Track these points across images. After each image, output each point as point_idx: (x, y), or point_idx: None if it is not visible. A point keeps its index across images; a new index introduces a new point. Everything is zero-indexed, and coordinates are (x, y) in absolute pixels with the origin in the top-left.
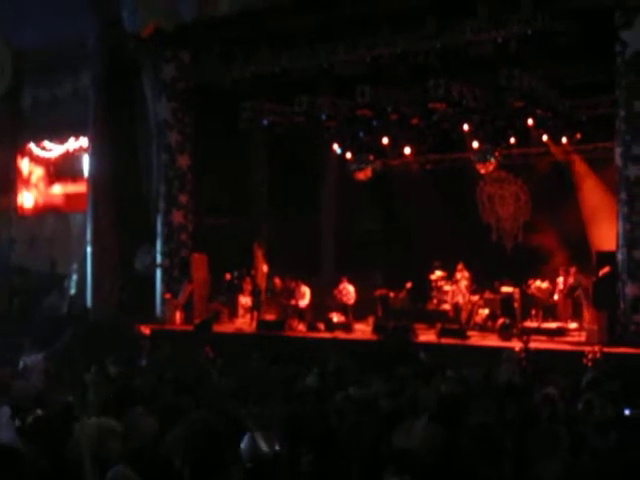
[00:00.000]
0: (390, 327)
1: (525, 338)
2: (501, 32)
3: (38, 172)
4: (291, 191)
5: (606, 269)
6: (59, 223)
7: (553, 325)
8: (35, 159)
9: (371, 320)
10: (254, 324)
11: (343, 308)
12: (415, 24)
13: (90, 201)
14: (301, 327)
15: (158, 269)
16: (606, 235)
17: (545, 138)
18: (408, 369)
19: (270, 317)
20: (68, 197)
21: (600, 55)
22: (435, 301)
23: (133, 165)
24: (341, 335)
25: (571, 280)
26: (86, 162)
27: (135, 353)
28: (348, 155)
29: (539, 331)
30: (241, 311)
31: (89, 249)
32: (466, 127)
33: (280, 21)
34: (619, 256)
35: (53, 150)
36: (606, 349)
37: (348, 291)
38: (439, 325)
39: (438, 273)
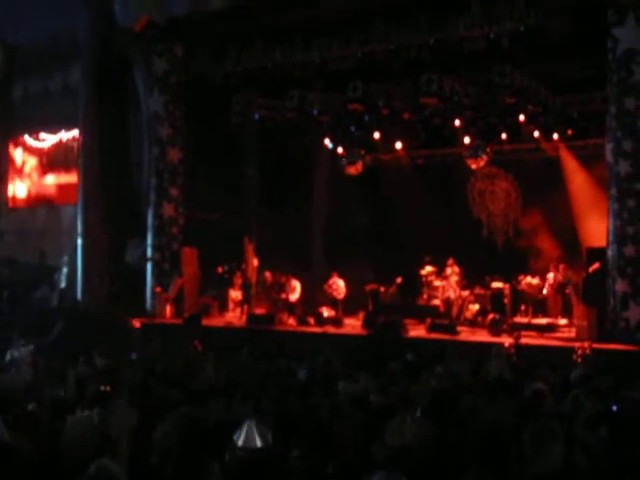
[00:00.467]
0: (380, 322)
1: (516, 334)
2: (494, 28)
3: (31, 162)
4: (282, 185)
5: (596, 265)
6: (50, 215)
7: (543, 321)
8: (28, 149)
9: (361, 315)
10: (244, 318)
11: (333, 303)
12: (408, 19)
13: (81, 194)
14: (291, 321)
15: (148, 262)
16: (596, 231)
17: (536, 134)
18: (398, 364)
19: (260, 311)
20: (61, 187)
21: (592, 52)
22: (425, 296)
23: (124, 158)
24: (331, 330)
25: (561, 276)
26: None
27: (125, 346)
28: (339, 150)
29: (529, 327)
30: (231, 305)
31: (79, 242)
32: (457, 122)
33: (272, 16)
34: (609, 252)
35: (46, 140)
36: (596, 345)
37: (338, 286)
38: (429, 320)
39: (428, 268)
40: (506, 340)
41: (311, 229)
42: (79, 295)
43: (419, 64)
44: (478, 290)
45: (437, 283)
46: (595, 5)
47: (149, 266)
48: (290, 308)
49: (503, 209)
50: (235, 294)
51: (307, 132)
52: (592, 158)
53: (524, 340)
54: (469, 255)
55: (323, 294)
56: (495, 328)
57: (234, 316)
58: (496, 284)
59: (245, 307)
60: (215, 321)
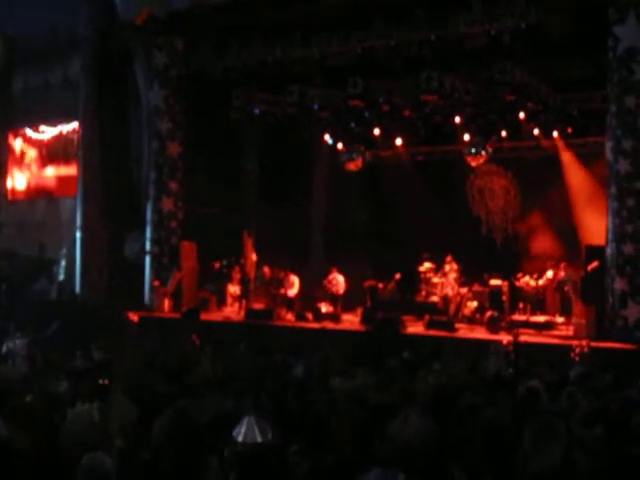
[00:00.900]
0: (378, 318)
1: (515, 331)
2: (495, 25)
3: (31, 155)
4: (282, 180)
5: (595, 263)
6: (49, 208)
7: (541, 319)
8: (28, 141)
9: (359, 311)
10: (242, 313)
11: (332, 298)
12: (408, 16)
13: (80, 187)
14: (289, 317)
15: (147, 256)
16: (595, 229)
17: (536, 132)
18: (396, 361)
19: (258, 306)
20: (60, 180)
21: (592, 50)
22: (424, 293)
23: (124, 152)
24: (329, 325)
25: (561, 274)
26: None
27: (123, 339)
28: (339, 145)
29: (527, 324)
30: (230, 300)
31: (78, 235)
32: (458, 120)
33: (273, 11)
34: (608, 251)
35: (46, 132)
36: (594, 343)
37: (338, 281)
38: (427, 317)
39: (427, 265)
40: (504, 337)
41: (310, 225)
42: (77, 288)
43: (419, 61)
44: (476, 287)
45: (436, 280)
46: (596, 3)
47: (148, 260)
48: (288, 303)
49: (502, 207)
50: (233, 289)
51: (307, 128)
52: (592, 156)
53: (522, 338)
54: (468, 252)
55: (322, 289)
56: (493, 325)
57: (232, 311)
58: (494, 281)
59: (243, 302)
60: (213, 315)
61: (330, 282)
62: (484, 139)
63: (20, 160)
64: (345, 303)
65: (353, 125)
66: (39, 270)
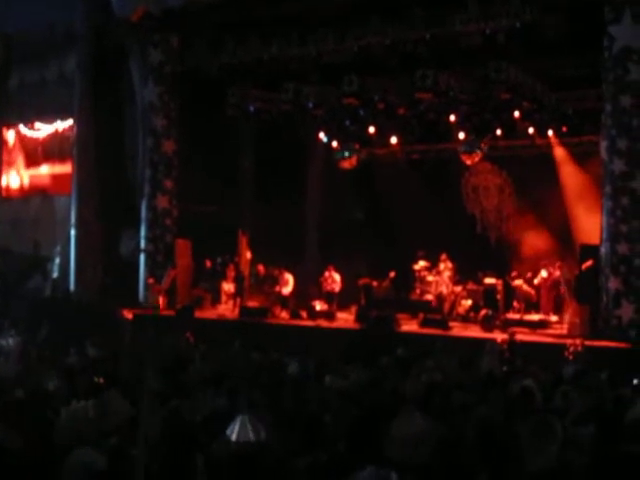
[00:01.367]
0: (373, 316)
1: (511, 331)
2: (490, 24)
3: (26, 152)
4: (276, 178)
5: (589, 263)
6: (43, 205)
7: (535, 317)
8: (23, 138)
9: (354, 309)
10: (237, 311)
11: (327, 296)
12: (404, 14)
13: (75, 184)
14: (284, 315)
15: (142, 254)
16: (590, 229)
17: (531, 131)
18: (390, 359)
19: (253, 304)
20: (55, 178)
21: (588, 49)
22: (418, 291)
23: (119, 149)
24: (324, 323)
25: (556, 273)
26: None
27: (117, 337)
28: (334, 143)
29: (521, 323)
30: (224, 297)
31: (73, 232)
32: (453, 118)
33: (268, 8)
34: (602, 250)
35: (42, 130)
36: (587, 342)
37: (334, 279)
38: (422, 315)
39: (422, 263)
40: (499, 336)
41: (305, 223)
42: (72, 286)
43: (415, 59)
44: (471, 286)
45: (430, 278)
46: (591, 2)
47: (142, 257)
48: (283, 301)
49: (497, 205)
50: (228, 286)
51: (302, 125)
52: (586, 155)
53: (517, 337)
54: (462, 251)
55: (317, 287)
56: (487, 324)
57: (227, 308)
58: (489, 280)
59: (238, 300)
60: (208, 313)
61: (326, 280)
62: (479, 137)
63: (15, 157)
64: (339, 301)
65: (348, 123)
66: (33, 267)
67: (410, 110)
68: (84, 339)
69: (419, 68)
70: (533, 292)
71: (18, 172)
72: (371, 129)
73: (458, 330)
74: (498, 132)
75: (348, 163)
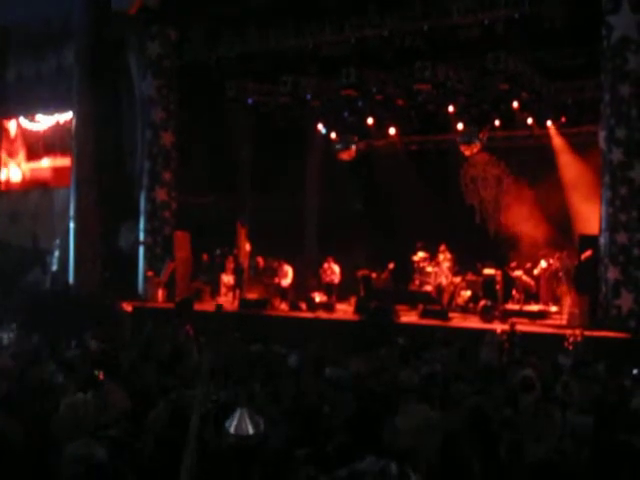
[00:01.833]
0: (372, 308)
1: (511, 321)
2: (488, 15)
3: (27, 145)
4: (275, 170)
5: (588, 253)
6: (42, 198)
7: (535, 308)
8: (24, 132)
9: (353, 300)
10: (236, 303)
11: (327, 288)
12: (402, 6)
13: (74, 177)
14: (283, 306)
15: (141, 246)
16: (589, 218)
17: (530, 121)
18: (389, 350)
19: (252, 296)
20: (57, 170)
21: (586, 39)
22: (417, 282)
23: (117, 142)
24: (323, 315)
25: (556, 264)
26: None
27: (116, 330)
28: (333, 135)
29: (521, 314)
30: (223, 289)
31: (72, 225)
32: (451, 109)
33: (266, 0)
34: (602, 240)
35: (42, 122)
36: (587, 332)
37: (333, 270)
38: (421, 306)
39: (421, 254)
40: (498, 327)
41: (304, 214)
42: (71, 279)
43: (413, 50)
44: (470, 276)
45: (429, 269)
46: None
47: (141, 250)
48: (282, 293)
49: (495, 196)
50: (227, 279)
51: (300, 117)
52: (585, 145)
53: (517, 327)
54: (461, 241)
55: (317, 279)
56: (486, 315)
57: (226, 300)
58: (488, 271)
59: (237, 292)
60: (207, 306)
61: (325, 271)
62: (477, 128)
63: (16, 149)
64: (339, 292)
65: (346, 115)
66: (33, 261)
67: (408, 101)
68: (84, 332)
69: (417, 59)
70: (532, 282)
71: (19, 165)
72: (369, 120)
73: (457, 321)
74: (497, 123)
75: (347, 154)
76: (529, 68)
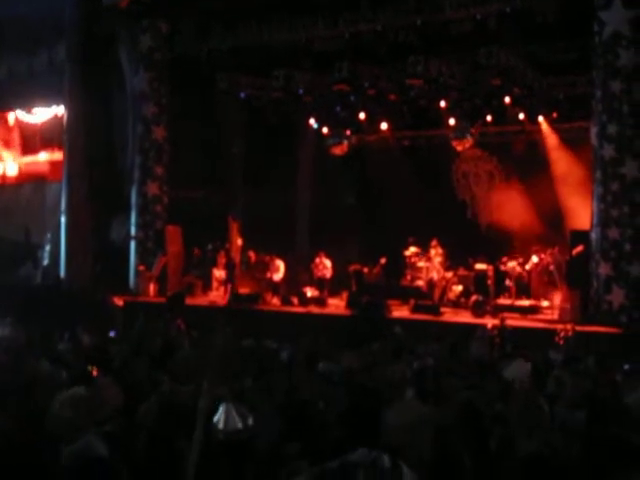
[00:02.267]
0: (364, 302)
1: (501, 316)
2: (480, 9)
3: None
4: (267, 165)
5: (580, 248)
6: (35, 193)
7: (526, 303)
8: (20, 124)
9: (345, 295)
10: (228, 297)
11: (318, 282)
12: (395, 0)
13: (65, 172)
14: (275, 301)
15: (132, 241)
16: (580, 214)
17: (522, 116)
18: (381, 345)
19: (244, 291)
20: (54, 164)
21: (578, 34)
22: (409, 277)
23: (109, 136)
24: (315, 310)
25: (547, 259)
26: None
27: (108, 324)
28: (325, 130)
29: (512, 308)
30: (215, 284)
31: (63, 219)
32: (443, 104)
33: None
34: (593, 235)
35: (40, 115)
36: (578, 328)
37: (325, 265)
38: (413, 301)
39: (412, 249)
40: (489, 322)
41: (296, 209)
42: (62, 273)
43: (406, 45)
44: (462, 271)
45: (421, 264)
46: None
47: (133, 244)
48: (274, 288)
49: (487, 191)
50: (219, 273)
51: (293, 112)
52: (577, 141)
53: (507, 322)
54: (453, 236)
55: (309, 274)
56: (478, 309)
57: (218, 295)
58: (480, 266)
59: (229, 286)
60: (199, 300)
61: (317, 266)
62: (469, 123)
63: (11, 140)
64: (330, 287)
65: (338, 109)
66: (25, 255)
67: (401, 96)
68: (75, 326)
69: (410, 54)
70: (525, 273)
71: (15, 159)
72: (362, 115)
73: (449, 316)
74: (489, 118)
75: (339, 149)
76: (521, 63)
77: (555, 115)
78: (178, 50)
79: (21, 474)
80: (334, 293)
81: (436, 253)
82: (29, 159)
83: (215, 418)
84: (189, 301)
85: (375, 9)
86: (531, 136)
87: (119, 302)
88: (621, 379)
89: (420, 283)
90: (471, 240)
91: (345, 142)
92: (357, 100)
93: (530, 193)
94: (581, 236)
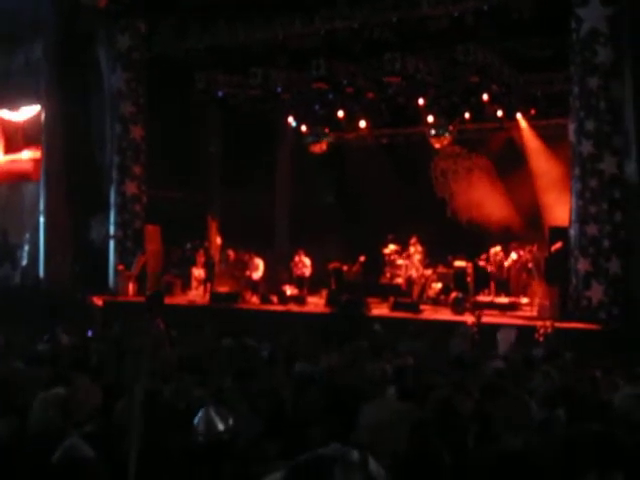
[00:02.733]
0: (343, 300)
1: (477, 313)
2: (457, 6)
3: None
4: (246, 163)
5: (558, 244)
6: (12, 193)
7: (505, 300)
8: (2, 122)
9: (324, 293)
10: (207, 296)
11: (298, 281)
12: None
13: (43, 171)
14: (254, 299)
15: (111, 240)
16: (559, 211)
17: (500, 113)
18: (361, 342)
19: (223, 289)
20: (37, 162)
21: (555, 31)
22: (388, 275)
23: (87, 136)
24: (294, 308)
25: (526, 256)
26: None
27: (87, 324)
28: (303, 128)
29: (491, 305)
30: (194, 283)
31: (41, 219)
32: (421, 101)
33: None
34: (571, 232)
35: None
36: (558, 324)
37: (304, 263)
38: (392, 299)
39: (392, 247)
40: (469, 319)
41: (275, 207)
42: (41, 273)
43: (383, 43)
44: (441, 269)
45: (400, 262)
46: None
47: (112, 244)
48: (253, 286)
49: (466, 188)
50: (198, 272)
51: (271, 110)
52: (555, 138)
53: (486, 319)
54: (432, 234)
55: (288, 272)
56: (458, 307)
57: (197, 294)
58: (459, 263)
59: (208, 285)
60: (178, 299)
61: (296, 264)
62: (448, 121)
63: None
64: (310, 285)
65: (317, 107)
66: (2, 256)
67: (379, 94)
68: (54, 326)
69: (387, 52)
70: (503, 274)
71: None
72: (340, 113)
73: (429, 313)
74: (467, 115)
75: (318, 147)
76: (498, 59)
77: (533, 112)
78: (156, 50)
79: (5, 475)
80: (313, 291)
81: (415, 251)
82: (12, 157)
83: (195, 421)
84: (168, 300)
85: (352, 6)
86: (509, 133)
87: (98, 302)
88: (600, 375)
89: (399, 281)
90: (450, 237)
91: (324, 140)
92: (335, 98)
93: (509, 190)
94: (560, 232)
